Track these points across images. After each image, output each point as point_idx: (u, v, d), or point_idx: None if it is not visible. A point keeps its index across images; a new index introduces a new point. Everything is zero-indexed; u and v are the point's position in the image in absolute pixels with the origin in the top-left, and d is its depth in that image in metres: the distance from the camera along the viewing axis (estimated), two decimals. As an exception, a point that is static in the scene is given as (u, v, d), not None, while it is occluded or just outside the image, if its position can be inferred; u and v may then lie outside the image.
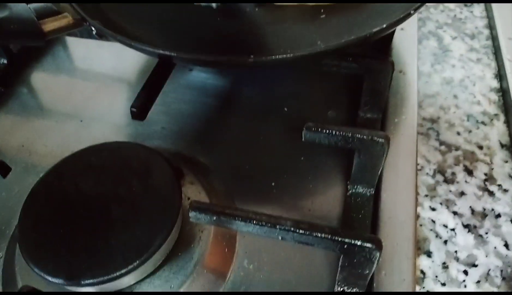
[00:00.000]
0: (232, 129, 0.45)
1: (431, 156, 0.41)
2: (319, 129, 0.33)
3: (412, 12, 0.35)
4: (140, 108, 0.36)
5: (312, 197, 0.39)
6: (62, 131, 0.47)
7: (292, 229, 0.28)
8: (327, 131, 0.32)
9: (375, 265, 0.28)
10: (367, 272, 0.29)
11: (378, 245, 0.27)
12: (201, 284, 0.33)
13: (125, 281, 0.31)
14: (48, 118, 0.49)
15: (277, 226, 0.28)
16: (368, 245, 0.27)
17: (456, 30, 0.52)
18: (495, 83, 0.46)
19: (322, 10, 0.41)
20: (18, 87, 0.52)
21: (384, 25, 0.34)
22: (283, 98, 0.47)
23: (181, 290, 0.32)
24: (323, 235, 0.27)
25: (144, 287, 0.32)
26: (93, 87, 0.52)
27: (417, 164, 0.40)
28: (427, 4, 0.55)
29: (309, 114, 0.45)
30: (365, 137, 0.32)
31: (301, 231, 0.28)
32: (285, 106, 0.46)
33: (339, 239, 0.27)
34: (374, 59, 0.38)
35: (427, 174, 0.39)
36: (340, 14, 0.41)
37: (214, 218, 0.29)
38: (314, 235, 0.28)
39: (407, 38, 0.50)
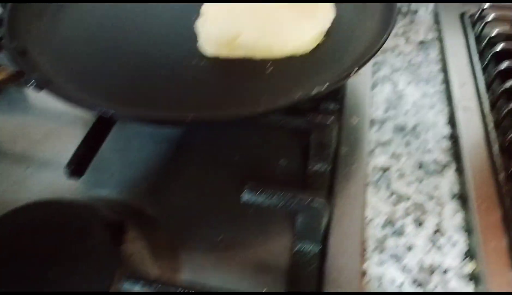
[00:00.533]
0: (182, 178, 0.44)
1: (381, 207, 0.40)
2: (259, 191, 0.32)
3: (351, 74, 0.35)
4: (76, 166, 0.35)
5: (260, 251, 0.38)
6: (8, 179, 0.45)
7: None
8: (267, 194, 0.32)
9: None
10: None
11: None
12: None
13: None
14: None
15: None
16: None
17: (411, 75, 0.52)
18: (447, 131, 0.46)
19: (269, 64, 0.41)
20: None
21: (323, 88, 0.34)
22: (235, 145, 0.46)
23: None
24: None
25: None
26: (44, 130, 0.50)
27: (365, 217, 0.39)
28: (383, 47, 0.56)
29: (261, 162, 0.45)
30: (303, 201, 0.31)
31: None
32: (237, 154, 0.46)
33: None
34: (319, 115, 0.37)
35: (376, 226, 0.39)
36: (287, 68, 0.41)
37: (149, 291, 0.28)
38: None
39: (361, 83, 0.50)
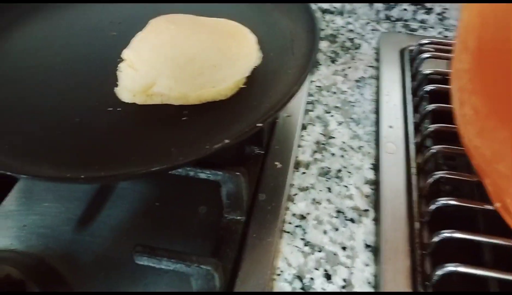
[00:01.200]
0: (97, 229, 0.43)
1: (293, 258, 0.40)
2: (150, 254, 0.32)
3: (258, 124, 0.35)
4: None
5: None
6: None
7: None
8: (157, 257, 0.32)
9: None
10: None
11: None
12: None
13: None
14: None
15: None
16: None
17: (344, 115, 0.52)
18: (371, 175, 0.46)
19: (185, 112, 0.41)
20: None
21: (226, 141, 0.34)
22: (155, 192, 0.46)
23: None
24: None
25: None
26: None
27: (276, 269, 0.39)
28: (320, 85, 0.56)
29: (181, 209, 0.44)
30: (193, 265, 0.31)
31: None
32: (157, 201, 0.45)
33: None
34: (225, 170, 0.37)
35: (285, 280, 0.38)
36: (203, 115, 0.41)
37: None
38: None
39: (292, 124, 0.50)
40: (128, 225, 0.43)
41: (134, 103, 0.43)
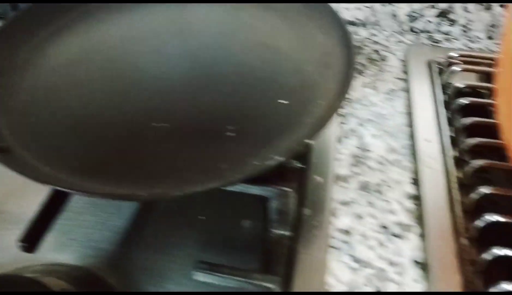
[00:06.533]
0: (144, 241, 0.43)
1: (341, 275, 0.39)
2: (211, 271, 0.31)
3: (307, 141, 0.35)
4: (29, 242, 0.34)
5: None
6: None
7: None
8: (218, 275, 0.31)
9: None
10: None
11: None
12: None
13: None
14: None
15: None
16: None
17: (377, 128, 0.52)
18: (411, 190, 0.46)
19: (230, 127, 0.41)
20: None
21: (278, 158, 0.34)
22: (200, 205, 0.45)
23: None
24: None
25: None
26: (5, 189, 0.49)
27: (325, 285, 0.39)
28: (351, 97, 0.56)
29: (225, 223, 0.44)
30: (255, 282, 0.31)
31: None
32: (202, 214, 0.45)
33: None
34: (275, 186, 0.37)
35: (336, 297, 0.38)
36: (246, 133, 0.40)
37: None
38: None
39: (328, 138, 0.50)
40: (173, 239, 0.43)
41: (179, 119, 0.42)
